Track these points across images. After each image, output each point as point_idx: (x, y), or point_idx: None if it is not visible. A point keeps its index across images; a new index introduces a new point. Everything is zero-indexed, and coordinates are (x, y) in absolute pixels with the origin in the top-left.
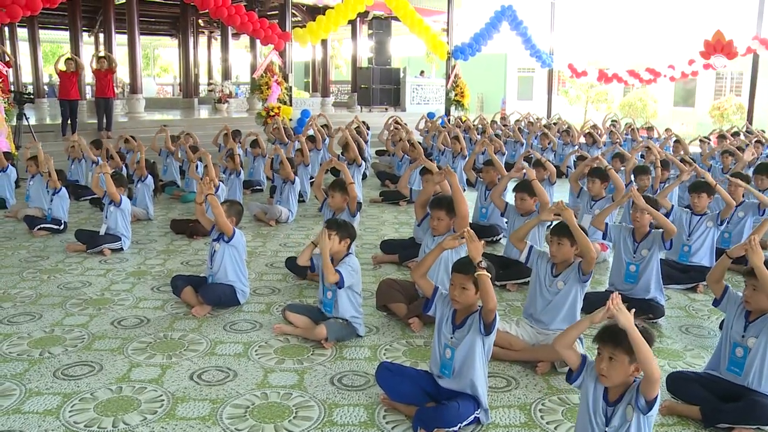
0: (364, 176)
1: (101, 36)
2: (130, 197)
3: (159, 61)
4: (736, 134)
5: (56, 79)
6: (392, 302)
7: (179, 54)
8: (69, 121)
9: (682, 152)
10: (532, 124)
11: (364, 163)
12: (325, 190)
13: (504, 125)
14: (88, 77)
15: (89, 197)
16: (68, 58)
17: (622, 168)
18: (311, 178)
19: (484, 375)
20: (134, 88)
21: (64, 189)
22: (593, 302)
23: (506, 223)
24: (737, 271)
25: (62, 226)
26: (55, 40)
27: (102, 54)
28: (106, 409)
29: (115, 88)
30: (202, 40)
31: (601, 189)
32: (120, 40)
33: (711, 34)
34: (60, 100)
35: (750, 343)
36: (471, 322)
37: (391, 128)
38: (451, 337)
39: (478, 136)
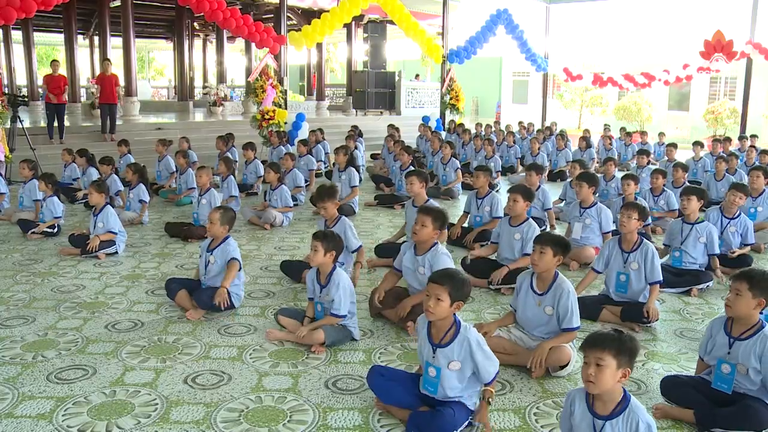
0: (359, 180)
1: (96, 39)
2: (112, 204)
3: (154, 63)
4: (728, 140)
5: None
6: (386, 308)
7: (174, 57)
8: (57, 125)
9: (675, 157)
10: (525, 128)
11: (358, 168)
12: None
13: (498, 129)
14: (82, 80)
15: (84, 200)
16: (54, 60)
17: (617, 172)
18: (306, 181)
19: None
20: (129, 91)
21: (53, 198)
22: (588, 305)
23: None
24: (728, 274)
25: (56, 229)
26: (49, 43)
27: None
28: (100, 413)
29: (118, 95)
30: (197, 43)
31: (589, 194)
32: (115, 43)
33: (710, 36)
34: (46, 103)
35: (741, 370)
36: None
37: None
38: (433, 356)
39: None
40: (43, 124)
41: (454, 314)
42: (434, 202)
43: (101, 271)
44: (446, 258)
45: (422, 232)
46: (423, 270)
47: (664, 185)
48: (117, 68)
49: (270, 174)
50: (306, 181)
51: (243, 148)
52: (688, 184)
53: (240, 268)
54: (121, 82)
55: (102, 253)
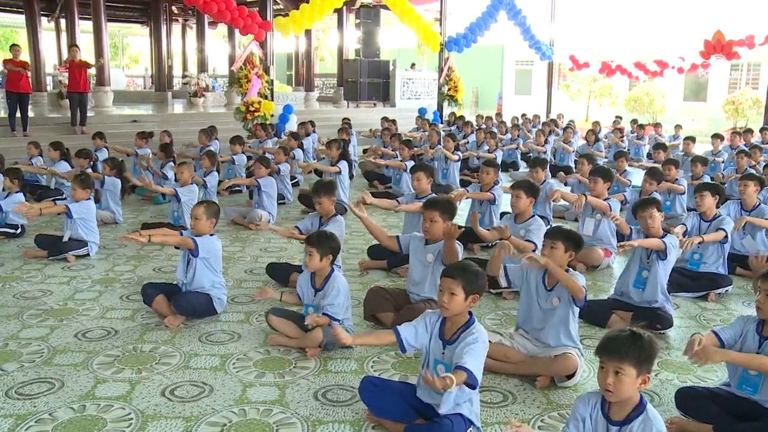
0: (351, 176)
1: (63, 22)
2: (97, 200)
3: (128, 50)
4: (749, 131)
5: None
6: (381, 312)
7: (151, 43)
8: (19, 116)
9: (693, 151)
10: (529, 120)
11: (350, 162)
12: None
13: (500, 122)
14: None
15: (52, 198)
16: (14, 45)
17: (628, 167)
18: (293, 178)
19: (474, 394)
20: (101, 80)
21: (18, 194)
22: (595, 311)
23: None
24: (749, 277)
25: (19, 230)
26: (8, 25)
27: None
28: (67, 430)
29: (89, 83)
30: (176, 28)
31: (604, 189)
32: (84, 27)
33: (724, 23)
34: (7, 92)
35: None
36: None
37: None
38: (443, 353)
39: (472, 136)
40: (2, 114)
41: (470, 313)
42: None
43: (70, 275)
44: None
45: (433, 228)
46: (432, 258)
47: (678, 177)
48: (87, 54)
49: (261, 169)
50: (294, 177)
51: (230, 142)
52: (708, 178)
53: (197, 253)
54: (91, 70)
55: (71, 255)
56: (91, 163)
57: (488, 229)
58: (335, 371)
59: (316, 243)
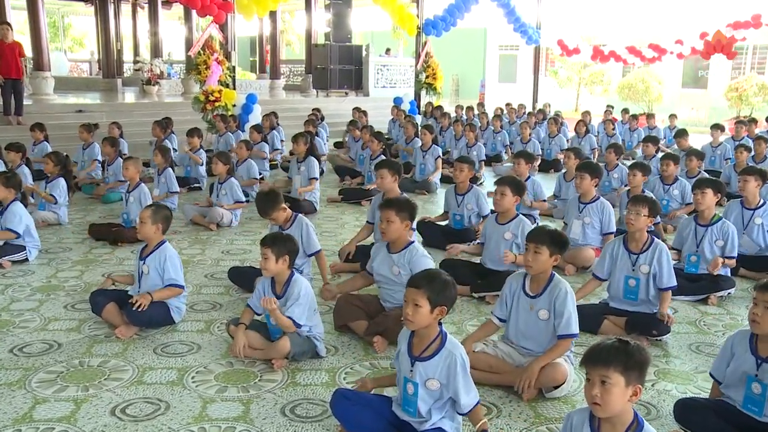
0: (321, 172)
1: None
2: (24, 201)
3: (71, 31)
4: (753, 121)
5: None
6: (352, 320)
7: (97, 24)
8: None
9: (688, 145)
10: (513, 110)
11: (318, 158)
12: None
13: (482, 112)
14: None
15: None
16: None
17: (621, 162)
18: (260, 174)
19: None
20: (40, 64)
21: None
22: (586, 316)
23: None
24: (752, 278)
25: None
26: None
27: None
28: None
29: (24, 68)
30: (126, 8)
31: (591, 187)
32: (16, 3)
33: (725, 3)
34: None
35: None
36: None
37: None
38: (411, 370)
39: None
40: None
41: (440, 324)
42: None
43: (6, 282)
44: (426, 260)
45: (389, 228)
46: (398, 270)
47: (677, 174)
48: (22, 35)
49: (218, 165)
50: (260, 173)
51: (187, 135)
52: (704, 174)
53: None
54: (28, 52)
55: (7, 260)
56: (25, 158)
57: (469, 227)
58: (304, 384)
59: (270, 243)
